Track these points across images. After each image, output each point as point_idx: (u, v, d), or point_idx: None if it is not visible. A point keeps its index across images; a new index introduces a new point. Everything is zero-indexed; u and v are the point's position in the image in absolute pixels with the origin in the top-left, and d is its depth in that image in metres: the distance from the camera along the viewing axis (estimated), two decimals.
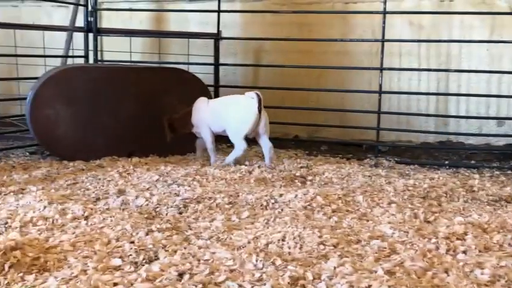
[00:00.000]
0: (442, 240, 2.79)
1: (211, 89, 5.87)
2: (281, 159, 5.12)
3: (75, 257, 2.55)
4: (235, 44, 6.47)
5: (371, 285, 2.17)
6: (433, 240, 2.81)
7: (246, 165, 4.63)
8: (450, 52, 6.02)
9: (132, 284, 2.23)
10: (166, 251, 2.66)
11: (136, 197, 3.56)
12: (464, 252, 2.68)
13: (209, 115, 4.95)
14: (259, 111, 4.66)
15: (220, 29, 6.03)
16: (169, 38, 6.55)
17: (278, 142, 6.07)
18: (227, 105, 4.89)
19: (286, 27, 6.29)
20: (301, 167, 4.68)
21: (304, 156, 5.45)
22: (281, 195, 3.63)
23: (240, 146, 4.70)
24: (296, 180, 4.26)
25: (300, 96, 6.29)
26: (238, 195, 3.64)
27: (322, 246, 2.69)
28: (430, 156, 5.79)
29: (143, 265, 2.47)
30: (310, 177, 4.35)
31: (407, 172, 4.82)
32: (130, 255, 2.58)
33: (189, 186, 3.88)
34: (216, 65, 6.11)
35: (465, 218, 3.22)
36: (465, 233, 2.91)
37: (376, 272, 2.34)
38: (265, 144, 4.80)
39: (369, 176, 4.43)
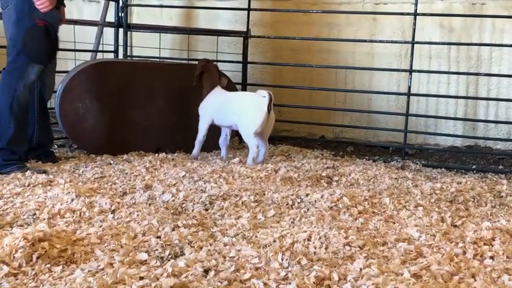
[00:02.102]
0: (470, 245, 2.76)
1: (239, 86, 5.88)
2: (307, 159, 5.12)
3: (102, 250, 2.58)
4: (264, 42, 6.47)
5: None
6: (460, 244, 2.78)
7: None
8: (480, 56, 5.95)
9: (157, 279, 2.24)
10: (192, 247, 2.67)
11: (163, 192, 3.58)
12: (491, 257, 2.66)
13: (215, 107, 5.00)
14: (269, 110, 4.69)
15: (249, 27, 6.03)
16: (199, 35, 6.57)
17: (304, 142, 6.09)
18: (239, 102, 4.94)
19: (316, 26, 6.28)
20: (327, 168, 4.67)
21: (330, 157, 5.42)
22: (307, 195, 3.63)
23: (252, 145, 4.73)
24: (322, 181, 4.25)
25: (328, 96, 6.28)
26: (264, 194, 3.65)
27: (348, 247, 2.68)
28: (457, 161, 5.73)
29: (169, 260, 2.49)
30: (336, 178, 4.34)
31: (434, 175, 4.78)
32: (157, 250, 2.60)
33: (215, 183, 3.89)
34: (245, 63, 6.11)
35: (493, 223, 3.18)
36: (493, 239, 2.87)
37: (402, 274, 2.33)
38: (263, 144, 4.83)
39: (396, 179, 4.41)
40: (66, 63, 5.87)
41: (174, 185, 3.82)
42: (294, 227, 2.98)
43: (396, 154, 5.83)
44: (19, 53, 4.22)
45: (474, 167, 5.38)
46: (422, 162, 5.43)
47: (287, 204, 3.49)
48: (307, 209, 3.41)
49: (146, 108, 5.12)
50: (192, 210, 3.31)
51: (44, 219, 3.01)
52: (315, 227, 2.95)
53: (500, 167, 5.44)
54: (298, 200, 3.55)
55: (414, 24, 5.48)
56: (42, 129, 4.66)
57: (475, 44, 5.84)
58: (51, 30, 4.32)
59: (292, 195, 3.61)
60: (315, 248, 2.66)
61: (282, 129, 6.34)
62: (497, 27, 5.86)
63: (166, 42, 6.42)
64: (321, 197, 3.58)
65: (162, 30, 6.24)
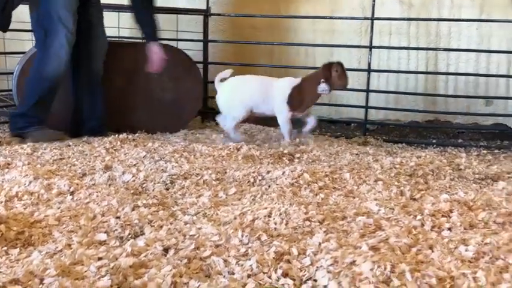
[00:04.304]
0: (428, 217, 2.80)
1: (200, 65, 5.85)
2: (269, 136, 5.13)
3: (60, 231, 2.55)
4: (224, 20, 6.43)
5: (355, 261, 2.17)
6: (419, 217, 2.82)
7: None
8: (439, 31, 6.00)
9: (116, 259, 2.22)
10: (152, 226, 2.66)
11: (123, 172, 3.54)
12: (449, 229, 2.69)
13: None
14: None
15: (209, 5, 5.99)
16: (158, 14, 6.48)
17: (266, 120, 6.07)
18: None
19: (276, 4, 6.26)
20: (289, 145, 4.68)
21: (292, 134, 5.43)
22: (268, 172, 3.63)
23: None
24: (284, 158, 4.25)
25: (290, 74, 6.26)
26: (225, 172, 3.64)
27: (307, 222, 2.69)
28: (418, 135, 5.80)
29: (128, 240, 2.47)
30: (298, 155, 4.34)
31: (394, 150, 4.83)
32: (116, 230, 2.58)
33: (177, 162, 3.87)
34: (205, 41, 6.08)
35: (451, 195, 3.22)
36: (450, 211, 2.91)
37: (360, 247, 2.35)
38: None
39: (357, 154, 4.43)
40: (24, 44, 5.76)
41: (134, 165, 3.79)
42: (254, 204, 2.98)
43: (358, 130, 5.87)
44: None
45: (434, 141, 5.45)
46: (384, 137, 5.49)
47: (248, 181, 3.49)
48: (269, 186, 3.41)
49: (105, 88, 5.04)
50: (153, 190, 3.29)
51: (1, 202, 2.95)
52: (275, 203, 2.95)
53: (460, 140, 5.53)
54: (260, 178, 3.55)
55: (373, 0, 5.50)
56: (89, 101, 4.93)
57: (434, 19, 5.90)
58: (7, 8, 4.48)
59: (253, 172, 3.61)
60: (275, 224, 2.67)
61: None
62: (456, 3, 5.91)
63: (125, 21, 6.32)
64: (282, 173, 3.58)
65: (120, 9, 6.13)
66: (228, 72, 4.86)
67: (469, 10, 5.87)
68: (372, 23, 5.56)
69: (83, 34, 4.78)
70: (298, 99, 4.83)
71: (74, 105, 4.94)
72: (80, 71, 4.88)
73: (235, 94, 4.80)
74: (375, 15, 5.55)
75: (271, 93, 4.83)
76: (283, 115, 4.85)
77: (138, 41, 6.14)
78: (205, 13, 6.02)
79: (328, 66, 4.79)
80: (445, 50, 5.92)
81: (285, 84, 4.87)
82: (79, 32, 4.72)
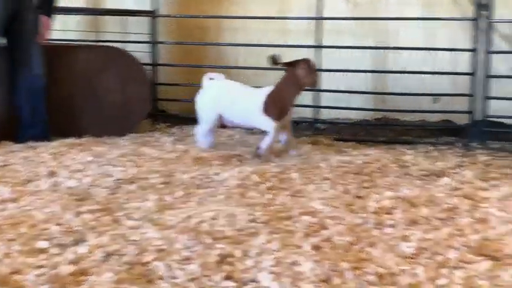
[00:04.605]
0: (371, 215, 2.84)
1: (148, 67, 5.82)
2: (220, 138, 5.12)
3: (0, 239, 2.50)
4: (172, 21, 6.39)
5: (297, 261, 2.19)
6: (362, 215, 2.85)
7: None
8: (387, 30, 6.06)
9: (57, 267, 2.19)
10: (95, 232, 2.62)
11: (68, 178, 3.50)
12: (391, 226, 2.73)
13: None
14: None
15: (157, 6, 5.96)
16: (106, 16, 6.42)
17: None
18: None
19: (224, 4, 6.25)
20: (239, 146, 4.68)
21: (243, 135, 5.43)
22: (217, 173, 3.63)
23: None
24: (233, 159, 4.24)
25: (241, 74, 6.26)
26: (173, 175, 3.62)
27: (253, 224, 2.70)
28: (368, 133, 5.85)
29: (70, 247, 2.44)
30: (247, 156, 4.34)
31: (343, 149, 4.85)
32: (58, 237, 2.54)
33: (124, 166, 3.83)
34: (153, 43, 6.04)
35: (395, 192, 3.27)
36: (393, 208, 2.96)
37: (303, 247, 2.36)
38: None
39: (307, 153, 4.45)
40: None
41: (80, 170, 3.73)
42: (201, 207, 2.97)
43: (309, 129, 5.90)
44: None
45: (382, 139, 5.51)
46: (334, 136, 5.52)
47: (196, 184, 3.48)
48: (216, 188, 3.40)
49: (51, 92, 4.95)
50: (98, 195, 3.25)
51: None
52: (222, 205, 2.96)
53: (408, 137, 5.59)
54: (208, 180, 3.55)
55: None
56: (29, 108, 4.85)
57: (381, 19, 5.95)
58: None
59: (201, 174, 3.61)
60: (221, 226, 2.67)
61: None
62: (402, 1, 5.98)
63: (72, 24, 6.25)
64: (231, 175, 3.58)
65: (66, 11, 6.05)
66: (217, 74, 4.78)
67: (415, 8, 5.94)
68: (320, 23, 5.60)
69: (18, 41, 4.72)
70: (275, 106, 4.50)
71: (14, 112, 4.84)
72: (18, 77, 4.79)
73: (206, 97, 4.69)
74: (324, 15, 5.59)
75: (245, 103, 4.57)
76: (267, 123, 4.44)
77: (83, 43, 6.09)
78: (153, 14, 5.99)
79: (293, 65, 4.55)
80: (392, 48, 5.98)
81: (259, 93, 4.59)
82: (14, 39, 4.68)
